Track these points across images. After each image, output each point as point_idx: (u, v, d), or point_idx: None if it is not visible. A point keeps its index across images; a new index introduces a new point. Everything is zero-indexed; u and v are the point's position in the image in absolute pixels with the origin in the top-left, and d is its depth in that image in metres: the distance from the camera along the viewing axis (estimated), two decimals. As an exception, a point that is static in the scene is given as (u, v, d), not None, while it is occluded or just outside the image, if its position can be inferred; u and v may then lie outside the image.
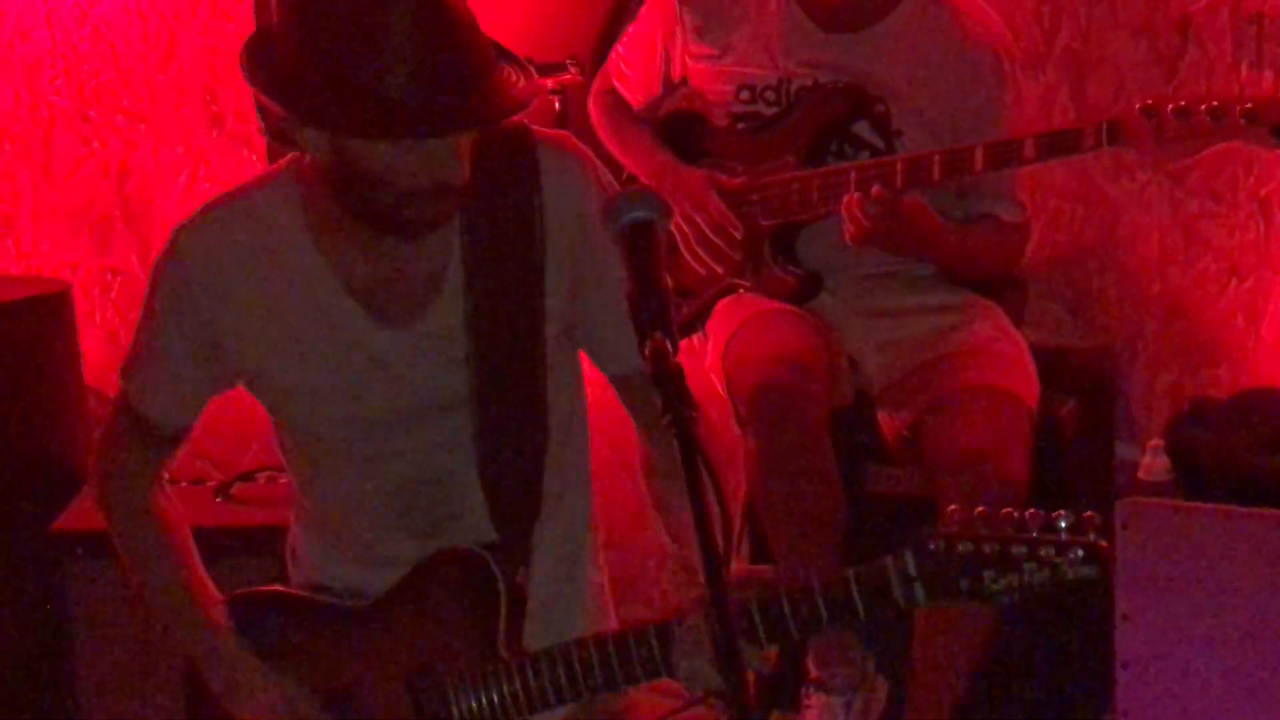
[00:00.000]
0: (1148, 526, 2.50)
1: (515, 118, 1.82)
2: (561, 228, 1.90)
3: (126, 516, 2.06)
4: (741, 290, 2.92)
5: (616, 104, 3.07)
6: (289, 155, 1.94)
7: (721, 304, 2.92)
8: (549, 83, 3.02)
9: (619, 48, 3.09)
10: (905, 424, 2.79)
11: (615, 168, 2.98)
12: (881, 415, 2.81)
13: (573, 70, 3.09)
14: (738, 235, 2.92)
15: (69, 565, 2.97)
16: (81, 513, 2.99)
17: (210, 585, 2.04)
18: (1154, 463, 2.83)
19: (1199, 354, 3.36)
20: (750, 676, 1.65)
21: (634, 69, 3.01)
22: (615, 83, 3.04)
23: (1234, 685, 2.54)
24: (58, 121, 3.68)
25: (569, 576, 2.09)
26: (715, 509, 1.44)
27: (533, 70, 1.81)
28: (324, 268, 1.92)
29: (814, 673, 2.74)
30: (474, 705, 1.91)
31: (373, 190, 1.78)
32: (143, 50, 3.65)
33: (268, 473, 3.01)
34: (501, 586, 1.95)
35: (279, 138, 1.97)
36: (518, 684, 1.90)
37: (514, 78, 1.79)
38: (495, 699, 1.90)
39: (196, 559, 2.05)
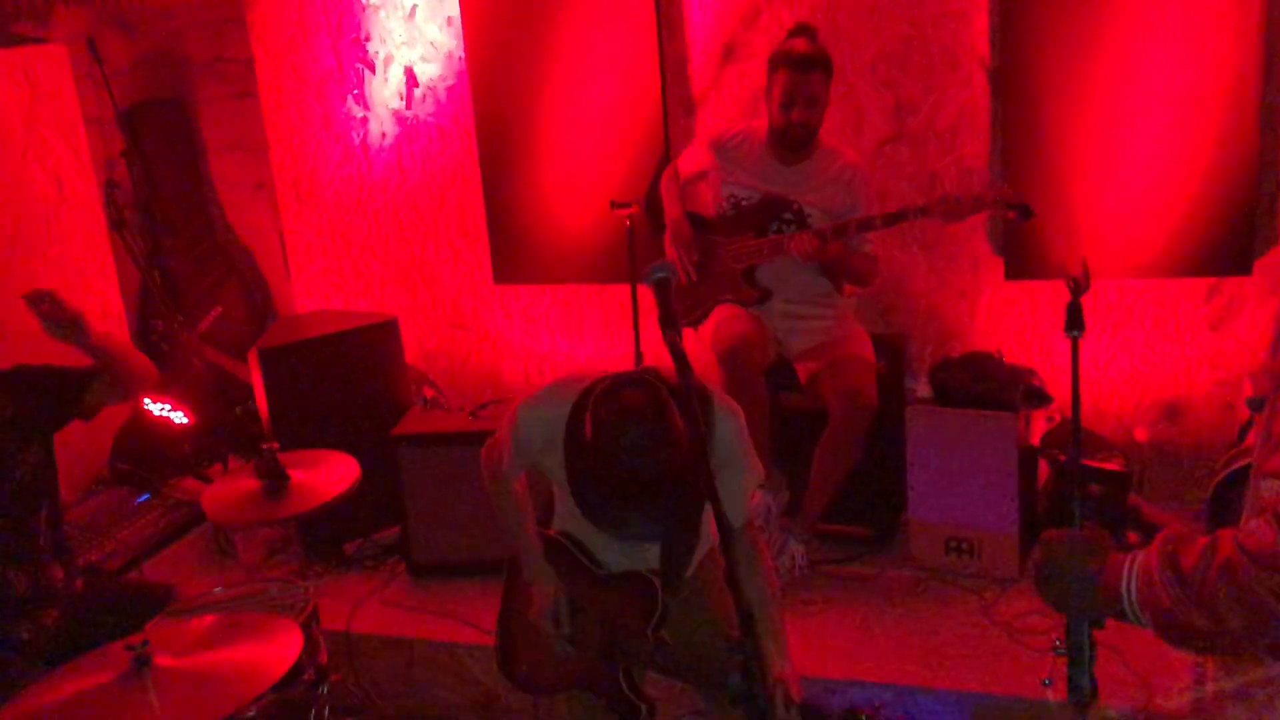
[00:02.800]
0: (924, 419, 3.65)
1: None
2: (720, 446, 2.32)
3: (500, 492, 2.58)
4: (727, 300, 3.81)
5: (673, 179, 3.87)
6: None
7: (716, 309, 3.81)
8: (624, 212, 3.90)
9: (684, 153, 3.94)
10: (811, 372, 3.69)
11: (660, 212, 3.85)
12: (798, 366, 3.73)
13: (635, 206, 3.99)
14: (694, 263, 3.69)
15: (400, 451, 3.97)
16: (405, 424, 4.03)
17: (535, 526, 2.55)
18: (924, 389, 3.80)
19: (943, 336, 4.25)
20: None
21: (685, 164, 3.90)
22: (678, 164, 3.90)
23: (969, 493, 3.55)
24: (389, 237, 4.86)
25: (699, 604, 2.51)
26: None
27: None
28: None
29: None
30: (629, 646, 2.45)
31: None
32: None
33: (493, 404, 4.00)
34: (659, 600, 2.41)
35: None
36: (650, 651, 2.45)
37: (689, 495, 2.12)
38: (639, 650, 2.46)
39: (530, 510, 2.55)
